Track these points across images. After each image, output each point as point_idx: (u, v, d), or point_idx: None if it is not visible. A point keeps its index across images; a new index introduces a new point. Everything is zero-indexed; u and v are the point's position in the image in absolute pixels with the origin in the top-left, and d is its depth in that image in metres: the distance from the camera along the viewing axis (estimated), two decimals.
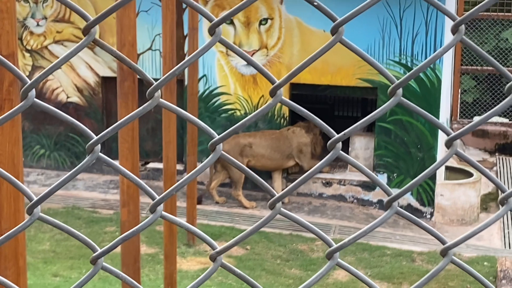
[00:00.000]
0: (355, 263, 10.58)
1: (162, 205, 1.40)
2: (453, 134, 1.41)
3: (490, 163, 15.29)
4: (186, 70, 12.88)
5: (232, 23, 12.86)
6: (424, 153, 12.51)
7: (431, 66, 12.25)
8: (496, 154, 15.70)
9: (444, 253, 1.45)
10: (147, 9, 13.04)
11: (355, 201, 13.02)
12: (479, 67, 16.42)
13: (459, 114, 16.59)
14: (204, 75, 13.21)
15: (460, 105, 16.66)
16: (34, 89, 1.33)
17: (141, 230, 1.39)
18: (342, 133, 1.42)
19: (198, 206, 11.75)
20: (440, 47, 12.23)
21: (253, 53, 12.92)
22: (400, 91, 1.40)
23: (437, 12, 12.18)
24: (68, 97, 13.96)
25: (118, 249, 10.61)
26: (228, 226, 11.70)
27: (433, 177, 12.48)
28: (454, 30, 1.38)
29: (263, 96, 13.05)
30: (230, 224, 11.82)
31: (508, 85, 1.41)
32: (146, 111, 1.36)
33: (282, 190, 13.01)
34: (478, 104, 16.73)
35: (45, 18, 13.71)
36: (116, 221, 11.42)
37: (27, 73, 13.92)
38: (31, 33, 13.83)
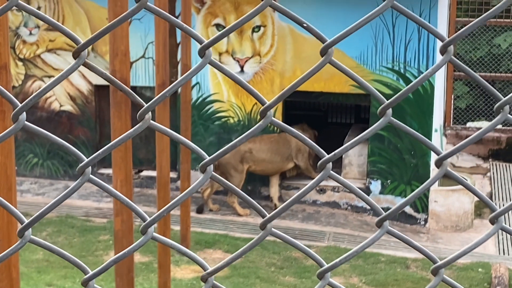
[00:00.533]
0: (350, 270, 10.58)
1: (153, 226, 1.40)
2: (443, 154, 1.42)
3: (484, 169, 15.31)
4: (179, 78, 12.88)
5: None
6: (417, 159, 12.52)
7: (424, 72, 12.27)
8: (490, 160, 15.72)
9: (435, 272, 1.45)
10: (140, 17, 13.04)
11: (349, 207, 13.03)
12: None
13: (453, 120, 16.62)
14: (197, 83, 13.21)
15: (453, 111, 16.69)
16: (24, 113, 1.33)
17: (132, 252, 1.40)
18: (332, 153, 1.43)
19: (192, 214, 11.75)
20: (433, 53, 12.29)
21: (246, 61, 12.93)
22: (389, 111, 1.41)
23: (429, 19, 12.21)
24: (61, 106, 13.95)
25: (111, 258, 10.61)
26: (222, 234, 11.69)
27: None
28: (443, 51, 1.38)
29: (256, 103, 13.06)
30: (224, 232, 11.81)
31: (496, 105, 1.41)
32: (137, 133, 1.36)
33: (278, 197, 13.06)
34: (471, 110, 16.77)
35: (38, 27, 13.71)
36: (109, 230, 11.40)
37: (20, 82, 13.92)
38: (24, 42, 13.82)
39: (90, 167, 1.37)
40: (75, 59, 1.33)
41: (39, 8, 13.52)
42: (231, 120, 13.25)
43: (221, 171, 12.65)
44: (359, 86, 12.53)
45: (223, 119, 13.29)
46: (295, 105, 13.78)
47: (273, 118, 1.41)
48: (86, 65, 1.34)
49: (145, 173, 13.92)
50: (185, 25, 1.37)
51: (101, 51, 13.33)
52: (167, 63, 9.37)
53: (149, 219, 1.40)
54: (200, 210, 12.67)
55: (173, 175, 12.83)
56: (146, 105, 1.36)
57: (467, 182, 1.50)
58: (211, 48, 1.38)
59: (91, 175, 1.38)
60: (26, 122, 1.34)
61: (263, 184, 13.18)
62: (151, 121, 1.37)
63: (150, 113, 1.36)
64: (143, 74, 13.46)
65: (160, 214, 1.41)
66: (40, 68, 13.83)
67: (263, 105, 1.39)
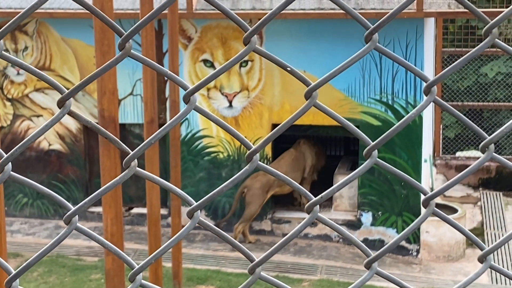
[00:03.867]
0: None
1: (141, 274, 1.39)
2: (430, 194, 1.42)
3: (474, 198, 15.32)
4: (168, 115, 12.88)
5: (212, 66, 12.90)
6: (408, 190, 12.53)
7: (412, 103, 12.33)
8: (480, 189, 15.73)
9: None
10: None
11: (341, 240, 13.00)
12: (459, 103, 16.53)
13: (442, 150, 16.66)
14: (186, 119, 13.21)
15: (442, 140, 16.74)
16: (10, 163, 1.33)
17: None
18: (319, 196, 1.43)
19: (184, 250, 11.69)
20: (420, 84, 12.33)
21: (235, 95, 12.95)
22: (375, 153, 1.42)
23: (416, 50, 12.28)
24: (50, 145, 13.91)
25: None
26: (214, 270, 11.64)
27: (418, 214, 12.49)
28: (427, 92, 1.39)
29: (245, 137, 13.05)
30: (216, 268, 11.76)
31: (481, 144, 1.42)
32: (123, 180, 1.36)
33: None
34: (460, 139, 16.82)
35: None
36: (101, 268, 11.34)
37: (9, 122, 13.90)
38: (12, 82, 13.81)
39: (77, 216, 1.36)
40: (59, 108, 1.33)
41: (26, 47, 13.55)
42: (221, 155, 13.24)
43: (246, 194, 12.81)
44: (347, 118, 12.58)
45: (212, 155, 13.28)
46: (285, 138, 13.78)
47: (259, 162, 1.41)
48: (71, 114, 1.34)
49: (135, 210, 13.88)
50: (169, 71, 1.37)
51: (89, 89, 13.33)
52: (155, 99, 9.38)
53: (137, 266, 1.39)
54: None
55: (163, 211, 12.79)
56: (131, 153, 1.36)
57: (455, 221, 1.50)
58: (195, 94, 1.38)
59: (78, 224, 1.37)
60: (11, 173, 1.33)
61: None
62: (137, 169, 1.37)
63: (136, 160, 1.36)
64: (131, 111, 13.46)
65: (148, 261, 1.40)
66: (29, 107, 13.82)
67: (248, 149, 1.39)
